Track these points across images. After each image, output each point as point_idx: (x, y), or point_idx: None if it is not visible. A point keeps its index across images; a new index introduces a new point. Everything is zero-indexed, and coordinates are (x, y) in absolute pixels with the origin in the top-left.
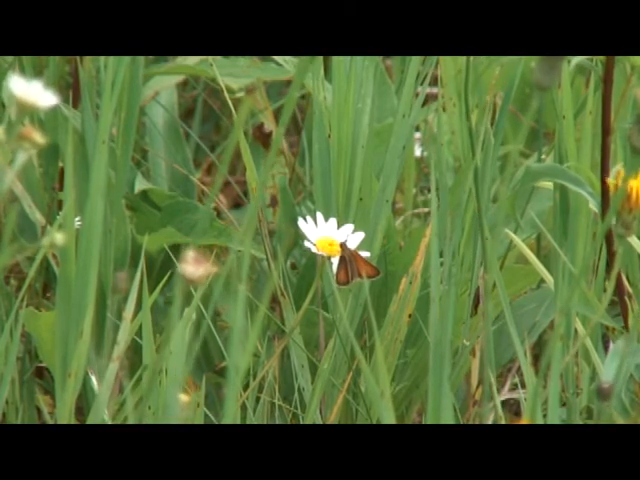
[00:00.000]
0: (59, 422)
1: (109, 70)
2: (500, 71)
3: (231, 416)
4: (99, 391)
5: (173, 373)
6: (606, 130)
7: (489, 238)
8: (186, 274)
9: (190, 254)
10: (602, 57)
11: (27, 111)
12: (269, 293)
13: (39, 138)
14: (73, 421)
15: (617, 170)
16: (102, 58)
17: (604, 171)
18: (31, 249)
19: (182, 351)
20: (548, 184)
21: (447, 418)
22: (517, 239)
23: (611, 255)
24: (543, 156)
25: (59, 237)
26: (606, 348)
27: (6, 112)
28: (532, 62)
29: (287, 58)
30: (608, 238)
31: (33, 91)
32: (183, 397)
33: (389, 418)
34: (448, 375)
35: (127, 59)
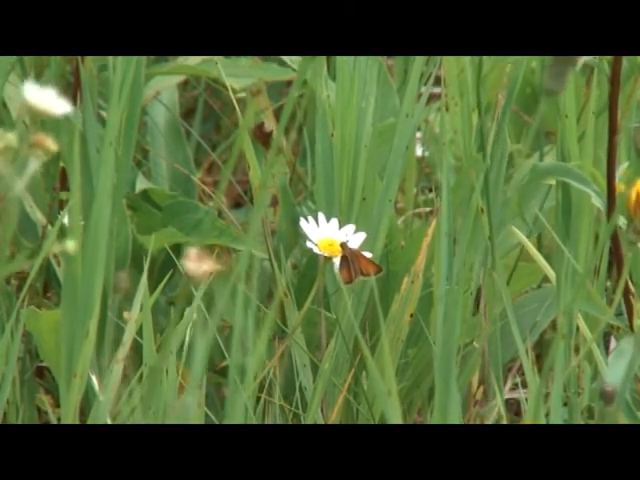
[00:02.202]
0: (63, 422)
1: (117, 72)
2: (502, 71)
3: (234, 419)
4: (102, 392)
5: (193, 374)
6: (613, 130)
7: (494, 237)
8: (189, 271)
9: (193, 251)
10: (608, 57)
11: (40, 118)
12: (278, 297)
13: (52, 145)
14: (77, 421)
15: (624, 171)
16: (109, 59)
17: (610, 171)
18: (39, 258)
19: (200, 352)
20: (551, 182)
21: (454, 418)
22: (523, 237)
23: (618, 259)
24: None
25: (70, 244)
26: (607, 347)
27: (9, 112)
28: (533, 62)
29: (291, 57)
30: (614, 239)
31: (46, 98)
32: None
33: (395, 416)
34: (455, 375)
35: (134, 60)
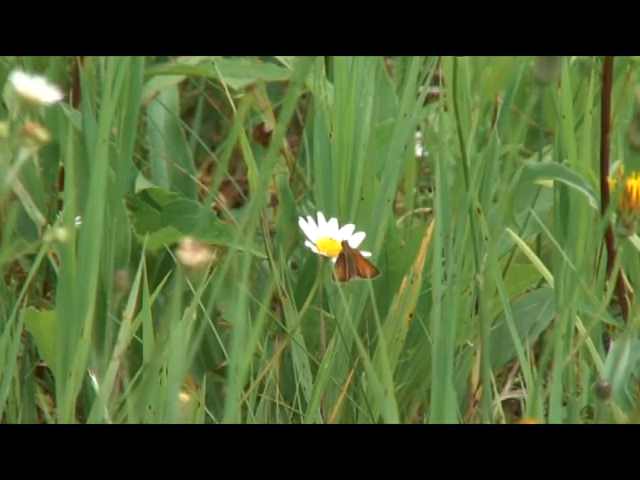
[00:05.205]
0: (60, 422)
1: (109, 69)
2: (501, 71)
3: (232, 416)
4: (99, 390)
5: (173, 372)
6: (605, 127)
7: (489, 237)
8: (184, 261)
9: (187, 241)
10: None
11: (30, 107)
12: (270, 292)
13: (42, 134)
14: (74, 421)
15: (617, 168)
16: (103, 57)
17: (603, 169)
18: (33, 246)
19: (182, 350)
20: (549, 183)
21: (450, 418)
22: (517, 238)
23: (611, 254)
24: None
25: (61, 233)
26: (606, 348)
27: (8, 112)
28: (532, 61)
29: (289, 57)
30: (608, 237)
31: (36, 87)
32: (183, 397)
33: (392, 416)
34: (451, 375)
35: (127, 58)
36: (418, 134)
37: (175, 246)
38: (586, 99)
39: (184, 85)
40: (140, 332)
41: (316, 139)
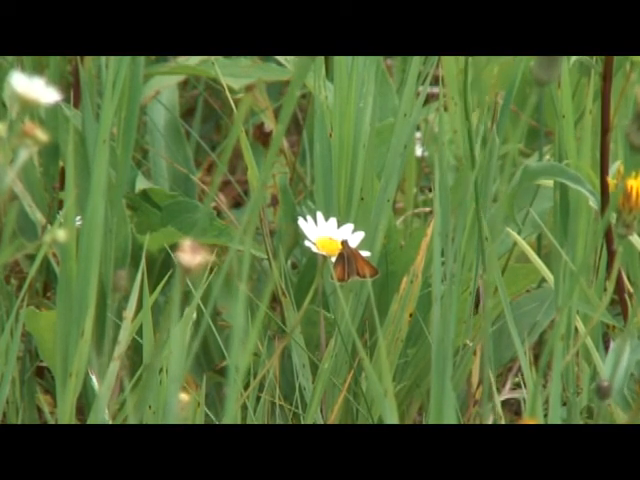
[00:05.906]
0: (60, 422)
1: (110, 70)
2: (501, 70)
3: (231, 416)
4: (99, 391)
5: (173, 372)
6: (605, 128)
7: (489, 237)
8: (183, 263)
9: (187, 243)
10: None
11: (29, 108)
12: (269, 292)
13: (41, 135)
14: (74, 421)
15: (617, 168)
16: (103, 58)
17: (603, 169)
18: (32, 247)
19: (182, 350)
20: (549, 183)
21: (449, 418)
22: (518, 238)
23: (611, 254)
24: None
25: (61, 234)
26: (606, 347)
27: (7, 111)
28: (532, 61)
29: (289, 57)
30: (608, 237)
31: (35, 88)
32: (183, 397)
33: (392, 416)
34: (450, 375)
35: (127, 58)
36: (418, 134)
37: (175, 246)
38: (586, 98)
39: (184, 85)
40: (140, 332)
41: (316, 139)
